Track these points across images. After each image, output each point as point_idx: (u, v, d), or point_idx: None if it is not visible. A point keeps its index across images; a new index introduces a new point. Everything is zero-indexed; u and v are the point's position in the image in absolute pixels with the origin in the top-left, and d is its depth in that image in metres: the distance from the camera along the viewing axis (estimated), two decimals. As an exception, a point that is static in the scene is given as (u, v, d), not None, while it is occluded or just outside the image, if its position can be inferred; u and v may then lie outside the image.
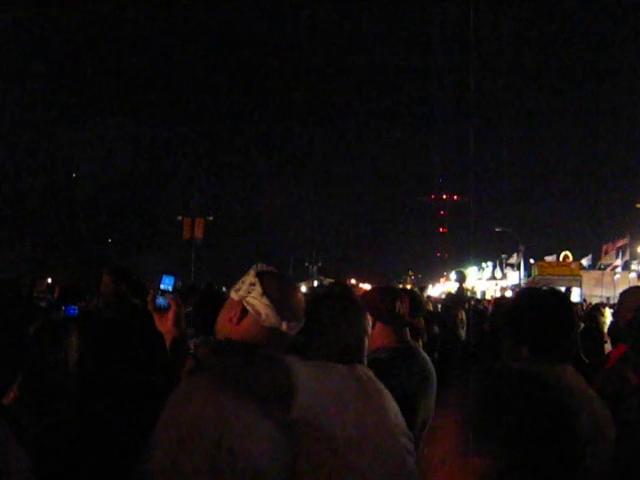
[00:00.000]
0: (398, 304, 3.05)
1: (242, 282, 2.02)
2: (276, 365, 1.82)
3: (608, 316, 13.07)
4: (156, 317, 2.28)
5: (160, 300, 2.27)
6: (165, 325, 2.26)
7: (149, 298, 2.28)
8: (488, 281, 48.30)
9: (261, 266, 2.06)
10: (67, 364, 3.32)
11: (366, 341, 2.18)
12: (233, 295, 2.02)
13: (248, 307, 1.96)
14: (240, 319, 1.97)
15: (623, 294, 3.88)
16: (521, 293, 2.64)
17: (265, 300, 1.96)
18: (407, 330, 3.13)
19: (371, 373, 2.04)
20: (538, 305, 2.29)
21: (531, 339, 2.20)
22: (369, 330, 2.21)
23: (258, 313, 1.96)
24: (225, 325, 2.00)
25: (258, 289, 1.98)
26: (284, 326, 1.95)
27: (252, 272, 2.03)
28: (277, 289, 1.99)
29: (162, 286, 2.31)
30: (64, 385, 3.21)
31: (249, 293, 1.98)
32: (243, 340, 1.94)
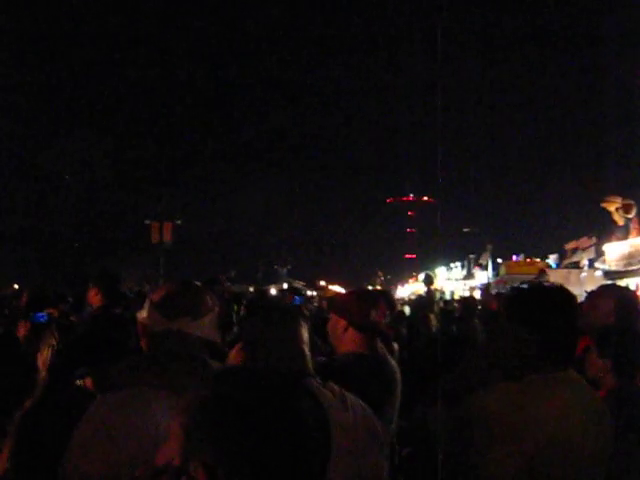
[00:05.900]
0: (373, 312, 3.02)
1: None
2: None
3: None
4: None
5: None
6: None
7: None
8: (457, 281, 48.63)
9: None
10: (36, 368, 3.35)
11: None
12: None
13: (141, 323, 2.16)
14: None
15: (593, 295, 3.65)
16: (522, 290, 2.39)
17: (150, 306, 2.14)
18: (378, 339, 3.10)
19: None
20: (546, 305, 2.17)
21: (540, 343, 2.10)
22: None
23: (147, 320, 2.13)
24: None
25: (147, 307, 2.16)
26: (174, 325, 2.07)
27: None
28: (159, 293, 2.18)
29: None
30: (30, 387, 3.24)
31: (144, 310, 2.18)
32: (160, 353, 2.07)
